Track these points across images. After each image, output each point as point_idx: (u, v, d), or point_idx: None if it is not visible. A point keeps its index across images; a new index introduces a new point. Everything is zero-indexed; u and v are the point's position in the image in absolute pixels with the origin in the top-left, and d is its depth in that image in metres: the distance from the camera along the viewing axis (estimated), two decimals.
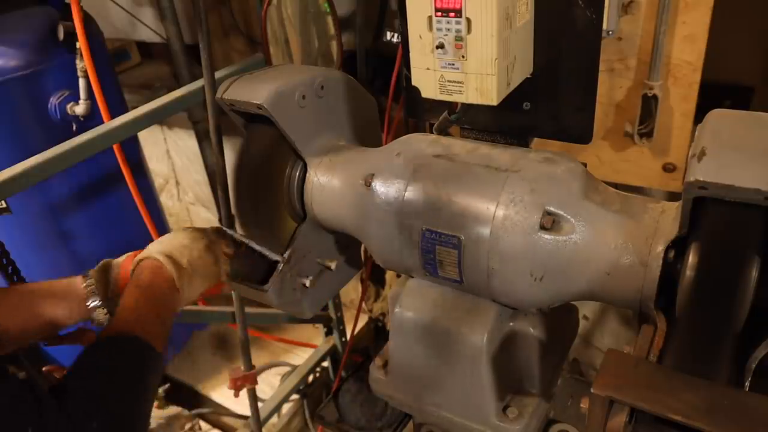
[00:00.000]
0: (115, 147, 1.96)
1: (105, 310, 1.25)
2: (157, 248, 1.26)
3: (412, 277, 1.32)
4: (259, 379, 2.25)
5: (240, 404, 2.87)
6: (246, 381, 2.10)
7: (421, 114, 1.44)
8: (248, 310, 2.05)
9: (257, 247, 1.40)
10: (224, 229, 1.42)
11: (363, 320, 3.16)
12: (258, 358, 2.60)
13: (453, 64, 1.12)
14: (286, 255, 1.40)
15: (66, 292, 1.25)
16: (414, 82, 1.19)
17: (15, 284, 1.77)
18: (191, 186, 4.13)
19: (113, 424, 0.94)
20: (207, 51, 1.50)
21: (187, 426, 3.13)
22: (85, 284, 1.25)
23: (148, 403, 1.06)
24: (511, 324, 1.25)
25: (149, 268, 1.22)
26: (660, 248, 0.99)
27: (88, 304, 1.24)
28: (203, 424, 3.24)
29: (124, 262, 1.32)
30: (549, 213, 1.08)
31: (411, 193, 1.19)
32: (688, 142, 1.79)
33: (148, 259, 1.24)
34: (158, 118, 1.90)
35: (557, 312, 1.25)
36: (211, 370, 3.43)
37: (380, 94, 2.12)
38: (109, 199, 2.59)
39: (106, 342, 1.05)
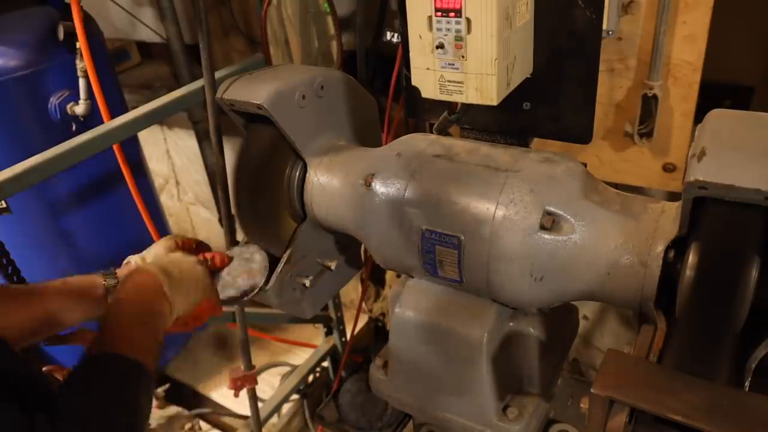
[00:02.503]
0: (115, 147, 1.95)
1: None
2: (144, 259, 1.30)
3: (412, 277, 1.32)
4: (259, 379, 2.25)
5: (240, 404, 2.87)
6: (246, 381, 2.10)
7: (421, 114, 1.44)
8: (248, 310, 2.05)
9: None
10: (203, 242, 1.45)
11: (363, 320, 3.16)
12: (258, 358, 2.61)
13: (453, 64, 1.11)
14: (285, 255, 1.40)
15: (82, 292, 1.26)
16: (414, 82, 1.19)
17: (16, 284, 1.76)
18: (191, 186, 4.13)
19: None
20: (207, 51, 1.50)
21: (187, 426, 3.13)
22: (105, 283, 1.28)
23: (140, 422, 1.03)
24: (511, 324, 1.25)
25: (136, 279, 1.22)
26: (660, 248, 0.99)
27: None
28: (203, 424, 3.23)
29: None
30: (549, 213, 1.08)
31: (411, 193, 1.19)
32: (688, 142, 1.79)
33: (137, 272, 1.25)
34: (158, 118, 1.90)
35: (557, 312, 1.25)
36: (211, 370, 3.43)
37: (380, 94, 2.12)
38: (109, 199, 2.59)
39: (89, 362, 1.03)
